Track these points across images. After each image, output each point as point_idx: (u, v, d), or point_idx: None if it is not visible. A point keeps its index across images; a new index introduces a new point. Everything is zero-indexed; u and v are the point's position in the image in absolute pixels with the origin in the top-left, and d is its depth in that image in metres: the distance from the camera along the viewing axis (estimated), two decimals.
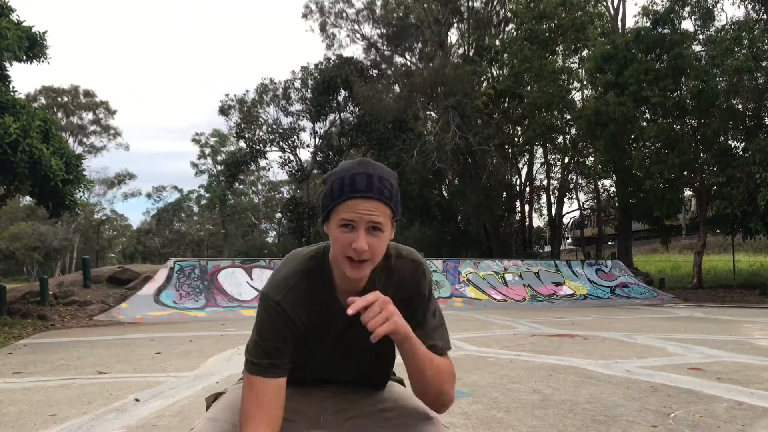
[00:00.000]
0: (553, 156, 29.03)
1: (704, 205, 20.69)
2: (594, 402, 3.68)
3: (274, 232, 54.79)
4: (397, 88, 28.00)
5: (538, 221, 35.48)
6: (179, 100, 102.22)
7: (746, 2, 19.90)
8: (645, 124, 20.77)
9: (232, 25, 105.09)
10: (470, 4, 27.74)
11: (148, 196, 58.82)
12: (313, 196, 30.46)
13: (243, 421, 1.31)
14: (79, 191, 11.28)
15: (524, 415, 3.35)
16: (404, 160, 24.08)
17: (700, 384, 4.24)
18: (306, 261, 1.40)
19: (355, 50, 42.35)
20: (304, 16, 29.78)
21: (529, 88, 23.96)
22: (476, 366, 5.22)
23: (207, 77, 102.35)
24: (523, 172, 30.10)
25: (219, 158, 51.03)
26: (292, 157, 28.59)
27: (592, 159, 26.75)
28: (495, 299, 15.75)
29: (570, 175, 29.31)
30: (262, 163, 32.19)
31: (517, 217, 30.31)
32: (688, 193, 23.64)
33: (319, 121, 27.83)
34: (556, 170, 29.83)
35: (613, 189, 28.54)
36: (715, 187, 19.72)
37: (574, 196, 32.21)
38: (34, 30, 10.83)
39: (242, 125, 28.38)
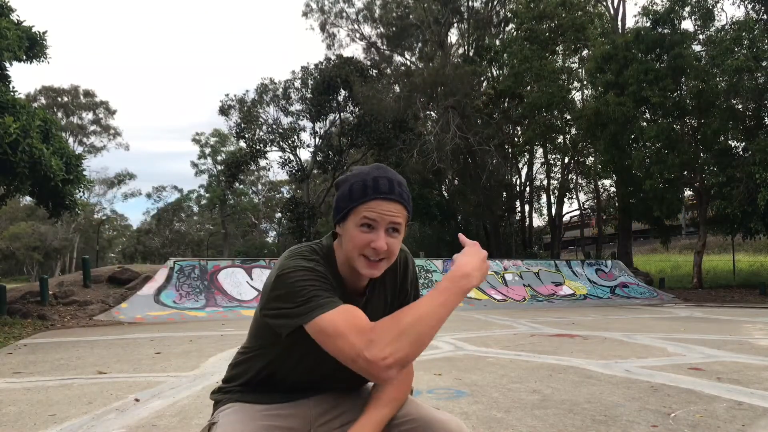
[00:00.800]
0: (553, 156, 29.05)
1: (704, 205, 20.70)
2: (594, 402, 3.68)
3: (274, 232, 54.83)
4: (397, 88, 28.01)
5: (538, 221, 35.52)
6: (179, 100, 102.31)
7: (746, 2, 19.91)
8: (645, 124, 20.77)
9: (232, 25, 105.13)
10: (470, 4, 27.76)
11: (148, 196, 58.89)
12: (313, 196, 30.46)
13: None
14: (79, 191, 11.28)
15: (524, 415, 3.35)
16: (404, 160, 24.08)
17: (700, 384, 4.24)
18: (309, 254, 1.35)
19: (355, 50, 42.44)
20: (305, 14, 29.82)
21: (529, 88, 23.97)
22: (476, 366, 5.22)
23: (207, 77, 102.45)
24: (523, 172, 30.14)
25: (219, 158, 51.04)
26: (292, 157, 28.60)
27: (592, 159, 26.77)
28: (495, 299, 15.75)
29: (570, 175, 29.33)
30: (262, 163, 32.23)
31: (517, 217, 30.32)
32: (688, 193, 23.65)
33: (319, 121, 27.84)
34: (556, 170, 29.86)
35: (613, 189, 28.57)
36: (715, 187, 19.72)
37: (574, 196, 32.23)
38: (34, 30, 10.84)
39: (242, 125, 28.38)
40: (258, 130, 28.52)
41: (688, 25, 21.18)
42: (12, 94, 10.01)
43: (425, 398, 3.84)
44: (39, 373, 5.20)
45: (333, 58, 28.34)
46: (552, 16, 23.10)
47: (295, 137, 28.28)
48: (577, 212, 34.54)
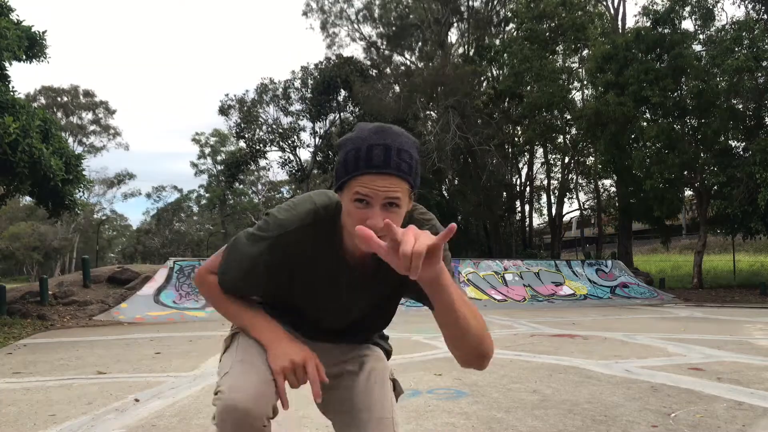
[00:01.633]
0: (553, 156, 29.05)
1: (704, 205, 20.70)
2: (594, 402, 3.68)
3: None
4: (397, 88, 28.01)
5: (538, 221, 35.52)
6: (179, 99, 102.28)
7: (746, 2, 19.92)
8: (645, 124, 20.77)
9: (232, 25, 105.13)
10: (470, 3, 27.76)
11: (148, 196, 58.89)
12: None
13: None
14: (79, 191, 11.27)
15: (524, 415, 3.35)
16: None
17: (701, 384, 4.24)
18: (319, 209, 1.34)
19: (355, 50, 42.38)
20: (305, 13, 29.81)
21: (529, 88, 23.97)
22: None
23: (207, 77, 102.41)
24: (523, 172, 30.14)
25: (219, 158, 51.04)
26: (292, 157, 28.63)
27: (592, 159, 26.76)
28: (495, 299, 15.75)
29: (570, 175, 29.33)
30: (262, 163, 32.25)
31: (517, 217, 30.32)
32: (688, 193, 23.65)
33: (319, 121, 27.86)
34: (556, 170, 29.86)
35: (613, 189, 28.57)
36: (715, 187, 19.72)
37: (574, 196, 32.24)
38: (33, 30, 10.83)
39: (242, 125, 28.40)
40: (258, 130, 28.54)
41: (688, 25, 21.24)
42: (12, 93, 10.00)
43: (425, 398, 3.84)
44: (39, 373, 5.20)
45: (333, 57, 28.36)
46: (552, 15, 23.10)
47: (295, 137, 28.32)
48: (577, 212, 34.54)
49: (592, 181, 29.93)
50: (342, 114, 28.07)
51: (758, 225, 18.09)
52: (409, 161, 1.23)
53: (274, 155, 42.28)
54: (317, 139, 28.10)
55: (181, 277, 13.42)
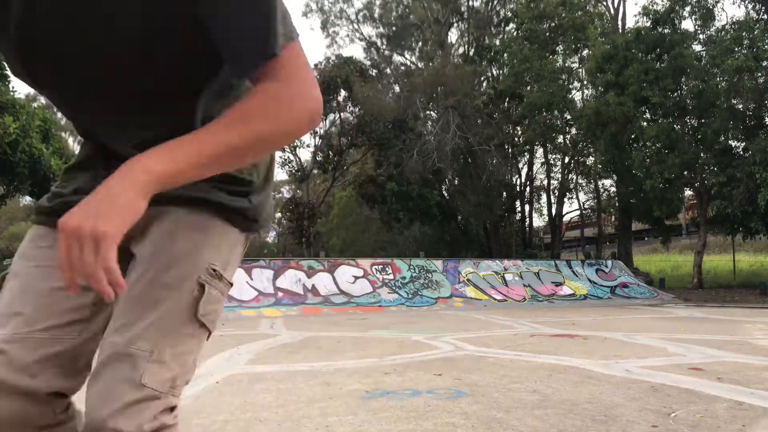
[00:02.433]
0: (553, 156, 29.05)
1: (704, 205, 20.70)
2: (594, 402, 3.68)
3: (274, 232, 54.82)
4: (397, 88, 28.01)
5: (538, 221, 35.52)
6: None
7: (746, 2, 19.92)
8: (645, 124, 20.77)
9: None
10: (470, 3, 27.76)
11: None
12: (313, 196, 30.47)
13: None
14: None
15: (524, 415, 3.35)
16: (404, 160, 24.06)
17: (701, 384, 4.23)
18: None
19: (355, 50, 42.43)
20: (305, 14, 29.84)
21: (529, 88, 23.98)
22: (476, 366, 5.21)
23: None
24: (523, 172, 30.15)
25: None
26: (291, 157, 28.61)
27: (592, 159, 26.77)
28: (495, 299, 15.75)
29: (570, 175, 29.33)
30: None
31: (517, 217, 30.33)
32: (688, 193, 23.65)
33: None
34: (556, 170, 29.86)
35: (613, 189, 28.57)
36: (715, 187, 19.73)
37: (574, 196, 32.24)
38: None
39: None
40: None
41: (688, 24, 21.27)
42: (12, 94, 10.02)
43: (425, 398, 3.84)
44: None
45: (333, 57, 28.38)
46: (552, 16, 23.10)
47: None
48: (578, 212, 34.55)
49: (592, 181, 29.93)
50: (342, 114, 28.10)
51: (758, 225, 18.09)
52: None
53: None
54: (317, 139, 28.13)
55: None
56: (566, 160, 28.04)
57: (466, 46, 29.00)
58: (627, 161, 20.86)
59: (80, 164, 1.10)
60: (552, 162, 29.42)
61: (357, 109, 26.99)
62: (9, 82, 10.58)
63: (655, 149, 20.36)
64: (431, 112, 27.77)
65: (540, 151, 28.83)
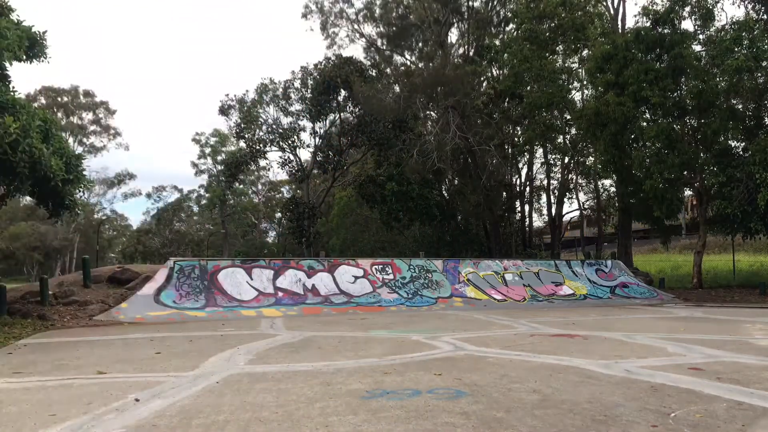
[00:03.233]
0: (553, 156, 29.04)
1: (704, 205, 20.69)
2: (594, 402, 3.68)
3: (274, 232, 54.81)
4: (397, 88, 27.99)
5: (538, 221, 35.53)
6: (179, 99, 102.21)
7: (746, 2, 19.90)
8: (645, 124, 20.76)
9: (232, 25, 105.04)
10: (470, 4, 27.74)
11: (148, 196, 58.87)
12: (313, 196, 30.46)
13: None
14: (79, 191, 11.27)
15: (524, 415, 3.35)
16: (404, 160, 24.03)
17: (700, 384, 4.24)
18: None
19: (355, 50, 42.35)
20: (304, 16, 29.79)
21: (529, 88, 23.97)
22: (476, 366, 5.21)
23: (207, 77, 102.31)
24: (523, 172, 30.14)
25: (219, 158, 51.04)
26: (292, 157, 28.59)
27: (592, 159, 26.76)
28: (495, 299, 15.75)
29: (570, 175, 29.33)
30: (262, 163, 32.20)
31: (517, 217, 30.32)
32: (688, 193, 23.64)
33: (319, 121, 27.83)
34: (556, 170, 29.86)
35: (613, 189, 28.57)
36: (715, 187, 19.72)
37: (574, 196, 32.24)
38: (33, 30, 10.83)
39: (242, 125, 28.38)
40: (258, 130, 28.52)
41: (688, 25, 21.17)
42: (12, 94, 10.01)
43: (425, 398, 3.84)
44: (39, 373, 5.20)
45: (333, 58, 28.33)
46: (552, 16, 23.08)
47: (295, 137, 28.28)
48: (577, 212, 34.56)
49: (592, 181, 29.92)
50: (342, 114, 28.07)
51: (758, 225, 18.08)
52: None
53: (274, 155, 42.26)
54: (317, 139, 28.08)
55: (182, 277, 13.42)
56: (566, 160, 28.04)
57: (466, 46, 28.98)
58: (627, 161, 20.85)
59: None
60: (552, 162, 29.42)
61: (357, 109, 26.97)
62: (9, 82, 10.58)
63: (655, 149, 20.35)
64: (431, 112, 27.76)
65: (540, 151, 28.83)
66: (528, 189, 30.43)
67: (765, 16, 19.47)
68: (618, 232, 26.75)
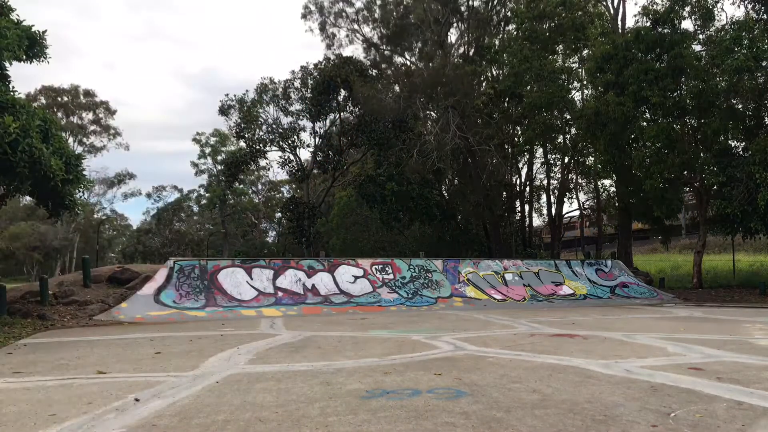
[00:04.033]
0: (553, 156, 29.05)
1: (704, 205, 20.69)
2: (594, 402, 3.68)
3: (274, 232, 54.77)
4: (397, 88, 27.98)
5: (538, 221, 35.53)
6: (180, 99, 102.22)
7: (746, 2, 19.90)
8: (645, 124, 20.76)
9: (232, 25, 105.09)
10: (470, 3, 27.74)
11: (148, 195, 58.89)
12: (313, 195, 30.46)
13: None
14: (79, 191, 11.26)
15: (524, 415, 3.35)
16: (404, 160, 24.02)
17: (700, 384, 4.24)
18: None
19: (354, 50, 42.24)
20: (304, 16, 29.77)
21: (529, 88, 23.97)
22: (476, 366, 5.21)
23: (207, 77, 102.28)
24: (523, 172, 30.14)
25: (219, 158, 51.04)
26: (292, 157, 28.59)
27: (592, 159, 26.76)
28: (495, 299, 15.75)
29: (570, 175, 29.32)
30: (262, 162, 32.19)
31: (517, 217, 30.32)
32: (687, 192, 23.63)
33: (319, 121, 27.84)
34: (556, 170, 29.86)
35: (613, 189, 28.57)
36: (715, 187, 19.72)
37: (574, 196, 32.25)
38: (33, 29, 10.82)
39: (242, 125, 28.38)
40: (258, 130, 28.52)
41: (688, 24, 21.17)
42: (12, 93, 10.00)
43: (425, 398, 3.84)
44: (39, 373, 5.20)
45: (333, 58, 28.33)
46: (552, 16, 23.09)
47: (295, 137, 28.28)
48: (577, 212, 34.55)
49: (592, 181, 29.91)
50: (342, 114, 28.08)
51: (758, 225, 18.08)
52: None
53: (274, 155, 42.32)
54: (317, 139, 28.08)
55: (182, 276, 13.42)
56: (566, 160, 28.04)
57: (466, 46, 28.97)
58: (627, 161, 20.85)
59: None
60: (552, 162, 29.42)
61: (357, 109, 26.97)
62: (9, 82, 10.57)
63: (655, 149, 20.35)
64: (431, 112, 27.75)
65: (540, 151, 28.83)
66: (528, 189, 30.43)
67: (765, 16, 19.46)
68: (618, 232, 26.76)
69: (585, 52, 24.87)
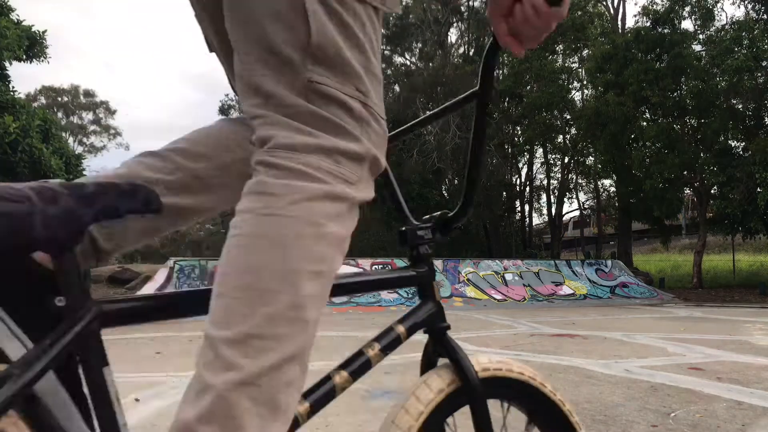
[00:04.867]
0: (553, 156, 29.06)
1: (704, 205, 20.70)
2: (594, 402, 3.68)
3: None
4: (397, 88, 28.00)
5: (538, 221, 35.54)
6: (180, 99, 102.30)
7: (746, 2, 19.92)
8: (645, 124, 20.77)
9: None
10: (470, 3, 27.76)
11: None
12: None
13: None
14: None
15: (524, 415, 3.35)
16: (404, 159, 24.05)
17: (700, 384, 4.24)
18: None
19: None
20: None
21: (529, 88, 23.99)
22: None
23: (207, 77, 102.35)
24: (523, 172, 30.15)
25: None
26: None
27: (592, 159, 26.78)
28: (495, 299, 15.75)
29: (570, 175, 29.34)
30: None
31: (517, 217, 30.33)
32: (687, 192, 23.65)
33: None
34: (556, 170, 29.87)
35: (613, 189, 28.59)
36: (715, 187, 19.73)
37: (574, 196, 32.26)
38: (33, 29, 10.83)
39: None
40: None
41: (688, 24, 21.28)
42: (12, 93, 10.02)
43: None
44: None
45: None
46: None
47: None
48: (577, 212, 34.58)
49: (592, 181, 29.94)
50: None
51: (758, 225, 18.10)
52: None
53: None
54: None
55: (182, 277, 13.42)
56: (566, 160, 28.05)
57: (466, 46, 28.99)
58: (627, 161, 20.86)
59: None
60: (552, 162, 29.44)
61: None
62: (9, 82, 10.59)
63: (655, 149, 20.36)
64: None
65: (540, 151, 28.85)
66: (528, 189, 30.43)
67: (765, 16, 19.47)
68: (618, 232, 26.77)
69: (585, 52, 24.88)
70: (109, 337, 6.44)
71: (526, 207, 30.77)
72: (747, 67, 17.39)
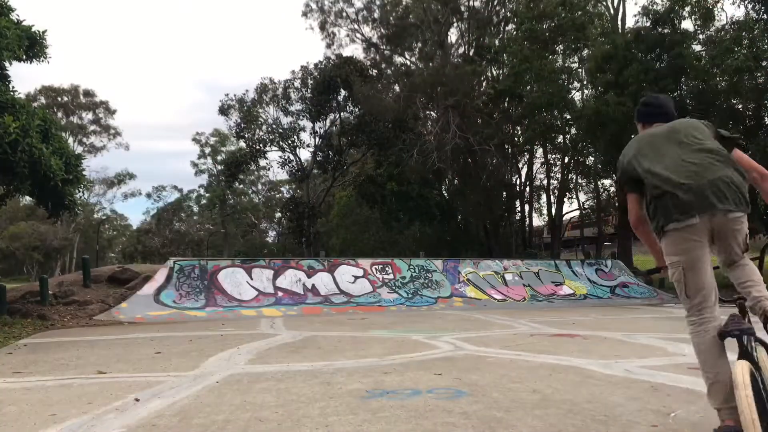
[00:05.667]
0: (553, 156, 29.06)
1: None
2: (594, 402, 3.68)
3: (274, 232, 54.80)
4: (397, 88, 27.99)
5: (538, 221, 35.54)
6: (180, 99, 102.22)
7: (746, 2, 19.92)
8: None
9: (232, 25, 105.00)
10: (470, 3, 27.75)
11: (148, 195, 58.85)
12: (313, 195, 30.45)
13: None
14: (79, 191, 11.26)
15: (524, 415, 3.35)
16: (404, 160, 24.05)
17: (700, 383, 4.23)
18: None
19: (354, 50, 42.26)
20: (304, 14, 29.79)
21: (529, 88, 23.98)
22: (476, 366, 5.21)
23: (207, 77, 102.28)
24: (523, 172, 30.14)
25: (219, 158, 51.04)
26: (292, 157, 28.61)
27: (592, 159, 26.78)
28: (495, 299, 15.75)
29: (570, 175, 29.33)
30: (262, 162, 32.22)
31: (517, 217, 30.33)
32: None
33: (319, 121, 27.85)
34: (556, 170, 29.87)
35: (613, 189, 28.57)
36: None
37: (574, 196, 32.25)
38: (33, 29, 10.82)
39: (242, 125, 28.39)
40: (258, 129, 28.54)
41: (688, 24, 21.20)
42: (12, 93, 10.00)
43: (425, 398, 3.84)
44: (39, 373, 5.20)
45: (333, 57, 28.35)
46: (552, 15, 23.10)
47: (295, 137, 28.29)
48: (578, 212, 34.56)
49: (592, 181, 29.93)
50: (342, 114, 28.10)
51: (758, 225, 18.10)
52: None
53: (274, 155, 42.25)
54: (317, 138, 28.09)
55: (182, 276, 13.42)
56: (566, 160, 28.04)
57: (466, 46, 28.97)
58: None
59: None
60: (552, 162, 29.44)
61: (357, 109, 26.97)
62: (9, 82, 10.57)
63: None
64: (431, 112, 27.76)
65: (540, 151, 28.85)
66: (528, 189, 30.43)
67: (765, 16, 19.46)
68: (618, 232, 26.76)
69: (585, 52, 24.87)
70: (110, 337, 6.47)
71: (526, 207, 30.79)
72: (747, 67, 17.39)
